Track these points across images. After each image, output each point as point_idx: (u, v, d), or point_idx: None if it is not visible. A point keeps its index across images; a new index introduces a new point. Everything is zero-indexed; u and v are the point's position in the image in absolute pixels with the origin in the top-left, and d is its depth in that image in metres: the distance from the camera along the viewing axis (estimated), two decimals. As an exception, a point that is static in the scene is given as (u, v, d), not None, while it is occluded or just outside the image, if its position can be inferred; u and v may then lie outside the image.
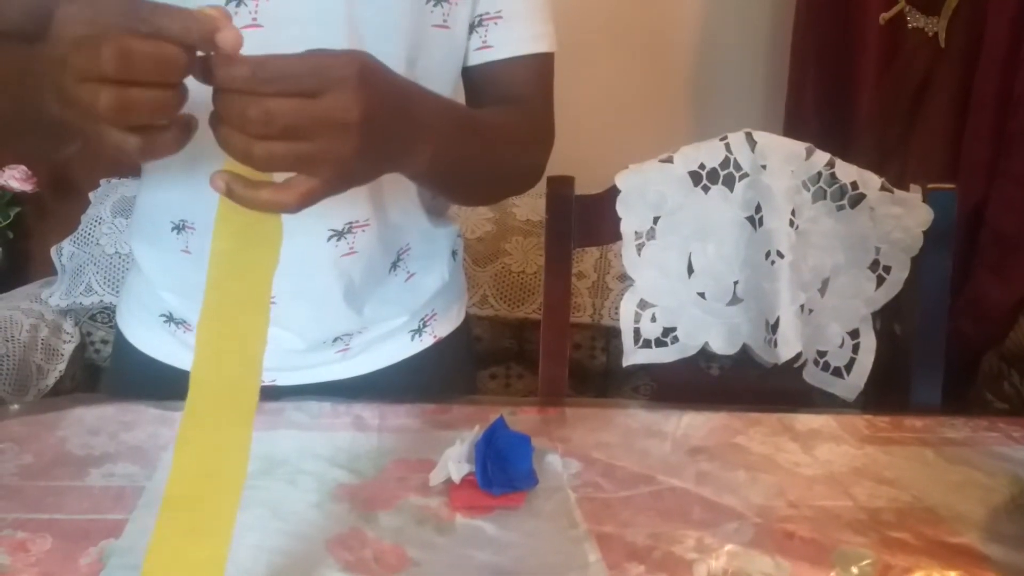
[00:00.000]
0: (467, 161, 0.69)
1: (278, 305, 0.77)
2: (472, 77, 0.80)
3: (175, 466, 0.52)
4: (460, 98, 0.81)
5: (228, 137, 0.50)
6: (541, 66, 0.79)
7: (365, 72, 0.52)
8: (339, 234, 0.74)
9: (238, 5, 0.66)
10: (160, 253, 0.78)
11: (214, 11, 0.48)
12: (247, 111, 0.48)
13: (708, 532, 0.61)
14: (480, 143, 0.71)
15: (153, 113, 0.48)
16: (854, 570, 0.58)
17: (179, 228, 0.76)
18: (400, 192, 0.78)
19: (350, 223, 0.75)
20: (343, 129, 0.51)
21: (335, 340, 0.80)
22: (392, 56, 0.70)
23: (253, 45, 0.66)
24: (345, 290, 0.77)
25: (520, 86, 0.79)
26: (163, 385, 0.79)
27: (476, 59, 0.78)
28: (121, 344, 0.85)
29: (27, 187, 1.70)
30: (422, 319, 0.84)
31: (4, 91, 0.58)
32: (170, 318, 0.80)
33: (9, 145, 0.65)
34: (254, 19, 0.66)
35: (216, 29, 0.47)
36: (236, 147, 0.50)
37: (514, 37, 0.77)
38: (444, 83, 0.77)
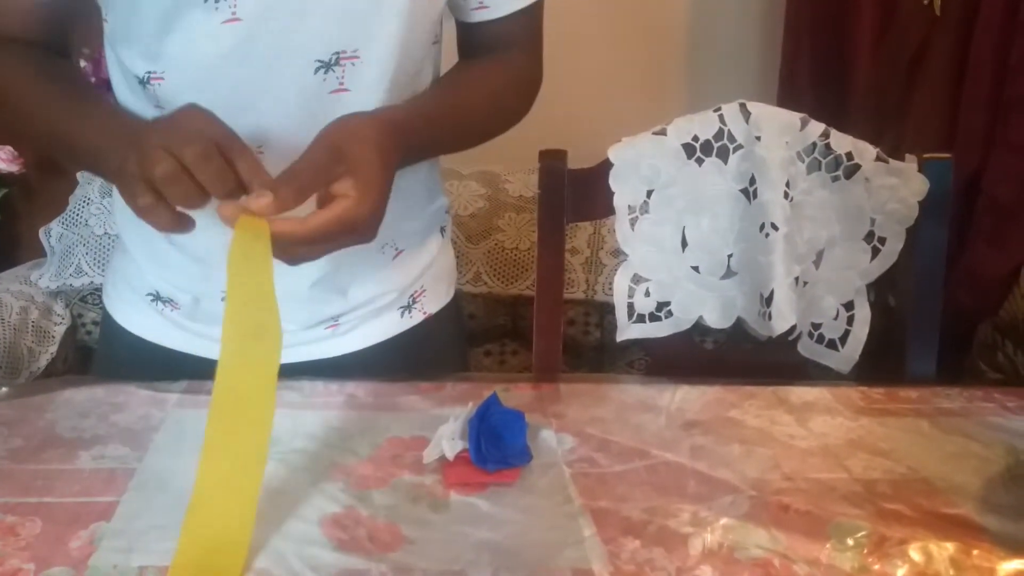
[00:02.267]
0: (447, 146, 0.79)
1: None
2: (467, 31, 0.81)
3: (203, 464, 0.56)
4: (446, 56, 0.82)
5: None
6: (532, 16, 0.81)
7: (378, 206, 0.61)
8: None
9: (218, 0, 0.64)
10: (149, 236, 0.77)
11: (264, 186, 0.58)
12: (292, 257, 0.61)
13: (703, 506, 0.61)
14: (446, 133, 0.77)
15: (184, 199, 0.58)
16: (849, 542, 0.57)
17: None
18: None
19: None
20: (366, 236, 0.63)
21: (323, 319, 0.79)
22: (384, 38, 0.69)
23: (233, 38, 0.66)
24: (334, 270, 0.76)
25: (513, 37, 0.81)
26: (152, 365, 0.79)
27: (472, 18, 0.79)
28: (109, 325, 0.84)
29: (14, 168, 1.68)
30: (411, 296, 0.84)
31: (74, 149, 0.70)
32: (157, 297, 0.80)
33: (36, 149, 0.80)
34: (233, 13, 0.65)
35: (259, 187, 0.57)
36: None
37: None
38: (433, 54, 0.77)
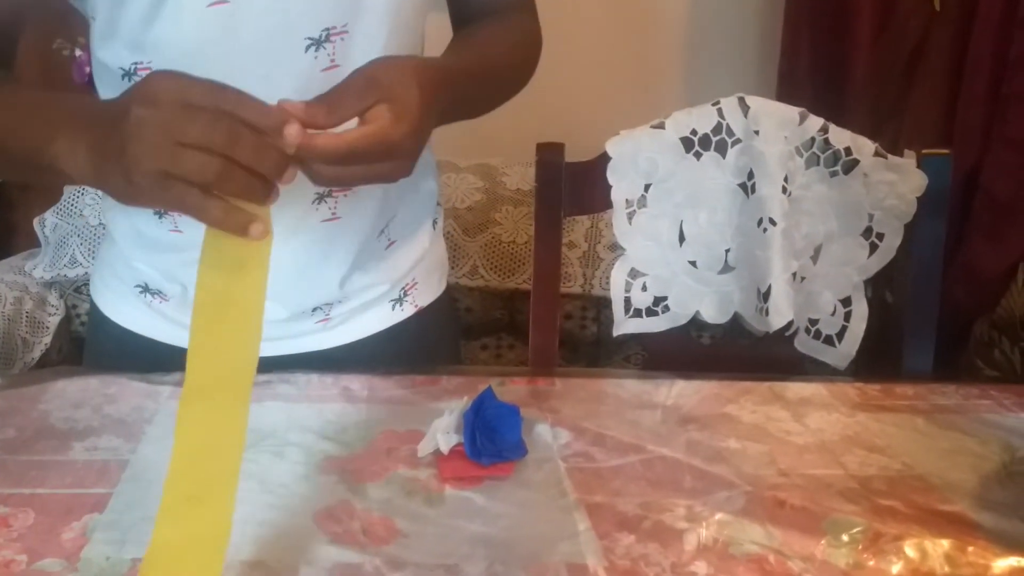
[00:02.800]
0: (466, 107, 0.74)
1: None
2: (460, 2, 0.81)
3: (176, 450, 0.53)
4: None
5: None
6: None
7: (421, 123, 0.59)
8: (320, 197, 0.73)
9: None
10: (141, 230, 0.77)
11: (287, 105, 0.54)
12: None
13: (698, 501, 0.61)
14: (478, 89, 0.74)
15: (244, 192, 0.53)
16: (845, 538, 0.57)
17: (162, 211, 0.74)
18: None
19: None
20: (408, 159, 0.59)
21: (315, 309, 0.79)
22: (371, 11, 0.68)
23: (221, 21, 0.65)
24: (326, 255, 0.76)
25: (510, 1, 0.82)
26: (140, 357, 0.79)
27: None
28: (97, 317, 0.84)
29: (8, 158, 1.67)
30: (403, 288, 0.83)
31: (18, 127, 0.61)
32: (145, 288, 0.79)
33: None
34: None
35: (285, 123, 0.52)
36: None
37: None
38: (422, 27, 0.77)
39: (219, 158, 0.51)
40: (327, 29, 0.67)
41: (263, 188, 0.53)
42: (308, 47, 0.67)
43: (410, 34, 0.74)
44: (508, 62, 0.79)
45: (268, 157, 0.52)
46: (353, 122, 0.57)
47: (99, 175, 0.56)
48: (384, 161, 0.57)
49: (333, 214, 0.74)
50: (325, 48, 0.68)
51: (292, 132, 0.52)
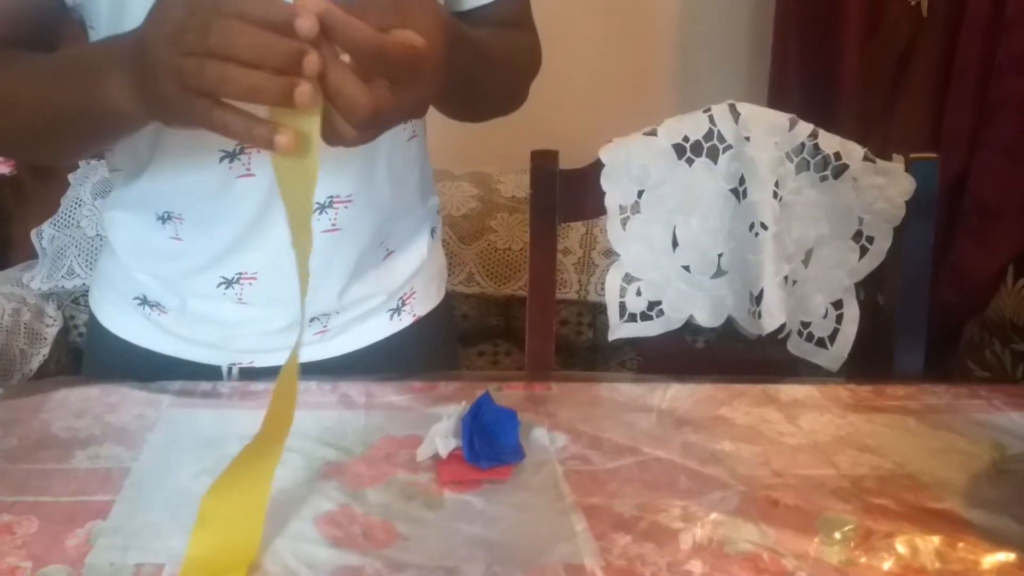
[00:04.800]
0: (470, 79, 0.69)
1: (257, 282, 0.76)
2: (462, 17, 0.80)
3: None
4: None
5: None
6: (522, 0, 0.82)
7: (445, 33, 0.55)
8: (321, 208, 0.74)
9: None
10: (141, 238, 0.78)
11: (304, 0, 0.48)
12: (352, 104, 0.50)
13: (693, 501, 0.62)
14: (485, 66, 0.71)
15: (249, 93, 0.48)
16: (837, 536, 0.58)
17: (164, 219, 0.75)
18: (385, 169, 0.77)
19: (332, 197, 0.74)
20: (433, 75, 0.54)
21: (313, 320, 0.79)
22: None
23: None
24: (326, 267, 0.76)
25: (509, 18, 0.81)
26: (138, 368, 0.79)
27: (463, 5, 0.79)
28: (95, 329, 0.84)
29: (5, 170, 1.68)
30: (400, 298, 0.84)
31: (65, 83, 0.61)
32: (144, 301, 0.80)
33: (43, 141, 0.69)
34: None
35: (295, 15, 0.47)
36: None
37: None
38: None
39: (214, 60, 0.48)
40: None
41: (274, 86, 0.48)
42: None
43: None
44: (510, 59, 0.78)
45: (272, 51, 0.47)
46: None
47: (148, 105, 0.55)
48: (410, 83, 0.52)
49: (333, 225, 0.75)
50: None
51: (305, 25, 0.47)
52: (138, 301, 0.80)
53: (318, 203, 0.73)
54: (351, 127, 0.51)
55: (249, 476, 0.56)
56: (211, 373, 0.79)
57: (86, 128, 0.65)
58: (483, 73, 0.71)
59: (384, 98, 0.51)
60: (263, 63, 0.48)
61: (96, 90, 0.58)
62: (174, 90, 0.50)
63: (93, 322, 0.85)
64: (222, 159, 0.71)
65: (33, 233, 1.56)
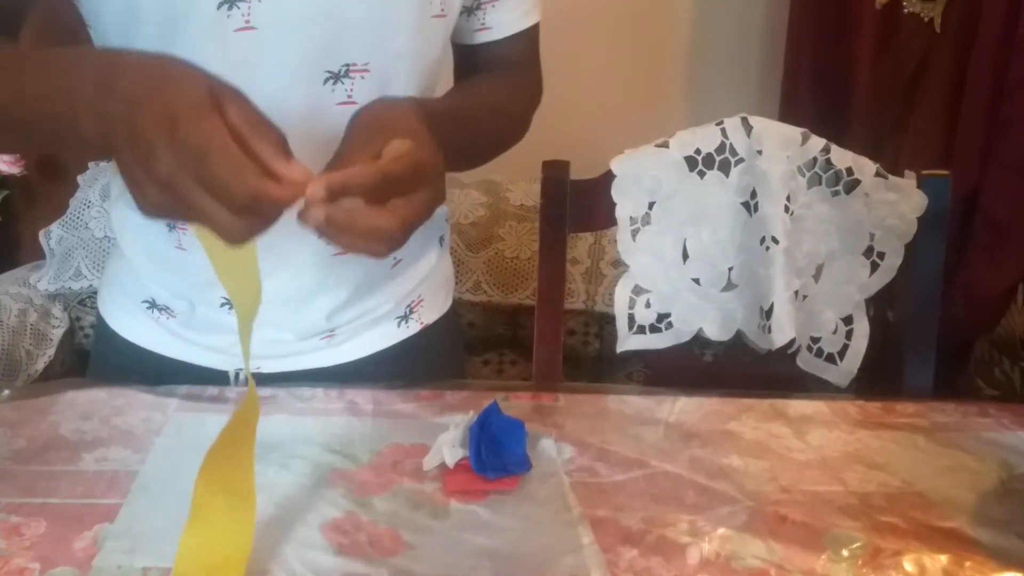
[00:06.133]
0: (464, 151, 0.73)
1: (267, 304, 0.76)
2: (467, 53, 0.82)
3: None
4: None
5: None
6: (531, 37, 0.83)
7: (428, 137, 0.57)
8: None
9: (231, 7, 0.65)
10: (149, 245, 0.78)
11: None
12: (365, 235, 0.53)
13: (701, 516, 0.61)
14: (476, 133, 0.76)
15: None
16: (845, 553, 0.58)
17: (171, 226, 0.75)
18: None
19: None
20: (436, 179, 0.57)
21: (320, 330, 0.80)
22: (393, 54, 0.70)
23: (246, 47, 0.66)
24: (337, 280, 0.76)
25: (513, 57, 0.83)
26: (146, 371, 0.79)
27: (474, 39, 0.81)
28: (103, 331, 0.84)
29: (15, 170, 1.69)
30: (408, 306, 0.84)
31: (35, 100, 0.56)
32: (153, 304, 0.80)
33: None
34: (247, 21, 0.65)
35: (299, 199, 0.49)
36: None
37: (509, 18, 0.80)
38: (440, 70, 0.77)
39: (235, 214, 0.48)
40: (348, 65, 0.69)
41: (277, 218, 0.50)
42: (327, 80, 0.69)
43: (429, 78, 0.75)
44: (503, 110, 0.81)
45: (279, 206, 0.49)
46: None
47: (117, 159, 0.52)
48: (418, 188, 0.55)
49: None
50: (343, 83, 0.69)
51: (316, 217, 0.50)
52: (147, 304, 0.80)
53: None
54: (389, 248, 0.54)
55: (232, 475, 0.55)
56: (218, 378, 0.79)
57: (37, 141, 0.64)
58: (474, 137, 0.76)
59: (405, 211, 0.54)
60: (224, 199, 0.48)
61: (64, 119, 0.53)
62: (155, 204, 0.50)
63: (101, 324, 0.85)
64: None
65: (41, 234, 1.57)
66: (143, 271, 0.79)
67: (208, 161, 0.47)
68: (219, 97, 0.50)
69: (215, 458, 0.55)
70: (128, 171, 0.50)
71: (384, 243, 0.54)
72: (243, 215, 0.48)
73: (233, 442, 0.55)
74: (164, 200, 0.49)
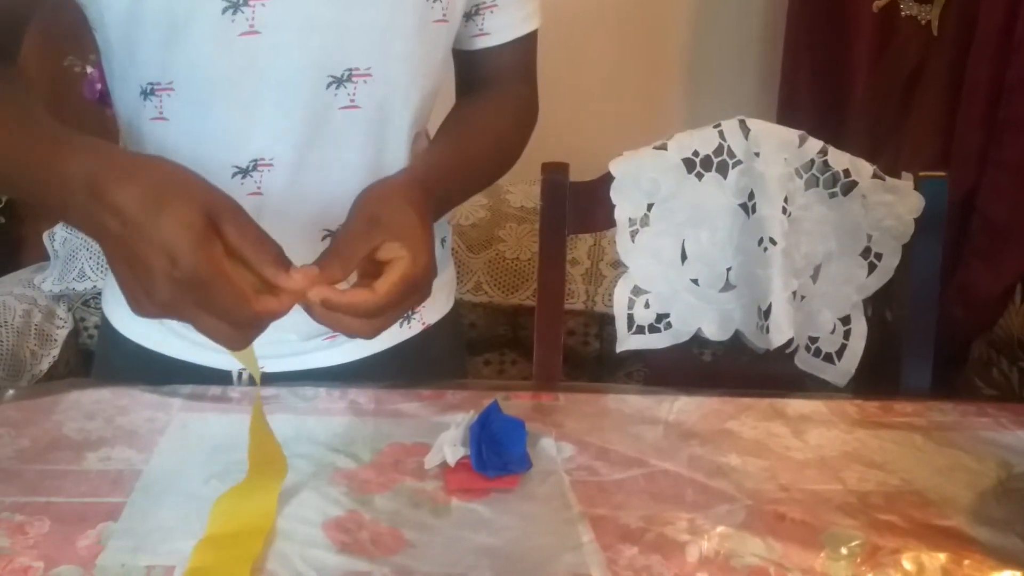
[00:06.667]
0: (462, 199, 0.79)
1: None
2: (465, 59, 0.83)
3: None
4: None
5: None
6: (528, 44, 0.84)
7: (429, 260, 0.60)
8: (332, 235, 0.75)
9: (235, 12, 0.65)
10: None
11: (302, 274, 0.54)
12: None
13: (700, 514, 0.62)
14: (475, 182, 0.79)
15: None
16: (843, 551, 0.58)
17: None
18: None
19: None
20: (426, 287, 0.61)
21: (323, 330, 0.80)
22: (395, 58, 0.70)
23: (251, 51, 0.66)
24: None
25: (510, 67, 0.84)
26: (150, 372, 0.79)
27: (472, 45, 0.81)
28: (108, 331, 0.85)
29: (18, 172, 1.69)
30: None
31: (22, 178, 0.58)
32: None
33: None
34: (251, 25, 0.66)
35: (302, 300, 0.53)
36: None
37: (508, 23, 0.81)
38: (443, 73, 0.78)
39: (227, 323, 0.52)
40: (350, 69, 0.69)
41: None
42: (329, 84, 0.69)
43: (431, 83, 0.76)
44: (492, 156, 0.81)
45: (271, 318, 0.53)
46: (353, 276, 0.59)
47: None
48: (410, 297, 0.58)
49: None
50: (346, 87, 0.69)
51: (311, 274, 0.54)
52: (151, 305, 0.80)
53: (329, 231, 0.74)
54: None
55: (254, 498, 0.59)
56: (221, 378, 0.80)
57: (29, 199, 0.63)
58: (473, 186, 0.79)
59: (385, 321, 0.58)
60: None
61: (56, 199, 0.55)
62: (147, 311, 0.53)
63: (105, 325, 0.86)
64: (234, 175, 0.71)
65: (45, 235, 1.57)
66: None
67: (208, 291, 0.49)
68: (216, 218, 0.50)
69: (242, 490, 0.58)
70: (123, 283, 0.52)
71: (359, 336, 0.58)
72: (242, 329, 0.52)
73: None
74: (161, 314, 0.52)
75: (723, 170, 0.91)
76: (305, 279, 0.53)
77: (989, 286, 1.35)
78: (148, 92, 0.70)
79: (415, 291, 0.59)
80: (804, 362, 0.94)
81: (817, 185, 0.91)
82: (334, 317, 0.56)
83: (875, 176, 0.91)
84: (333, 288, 0.55)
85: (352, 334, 0.57)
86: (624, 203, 0.91)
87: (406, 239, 0.58)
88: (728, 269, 0.93)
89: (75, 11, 0.70)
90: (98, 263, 1.54)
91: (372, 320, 0.57)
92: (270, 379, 0.79)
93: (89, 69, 1.60)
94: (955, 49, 1.39)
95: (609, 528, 0.60)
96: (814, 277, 0.93)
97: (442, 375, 0.87)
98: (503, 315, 1.61)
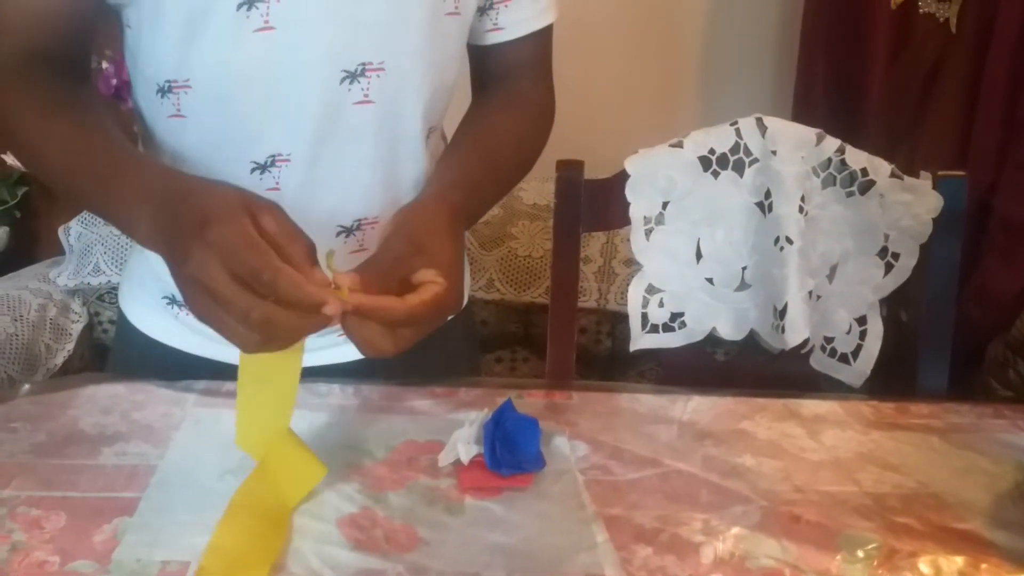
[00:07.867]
0: (487, 208, 0.79)
1: None
2: (480, 54, 0.82)
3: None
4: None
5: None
6: (544, 39, 0.83)
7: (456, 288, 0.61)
8: (348, 231, 0.75)
9: (250, 8, 0.66)
10: None
11: (341, 279, 0.55)
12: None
13: (715, 515, 0.62)
14: (498, 194, 0.80)
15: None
16: (860, 554, 0.58)
17: None
18: (411, 186, 0.78)
19: (359, 220, 0.75)
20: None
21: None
22: (408, 52, 0.70)
23: (266, 47, 0.67)
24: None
25: (525, 62, 0.83)
26: (166, 367, 0.80)
27: (486, 40, 0.81)
28: (124, 326, 0.85)
29: (34, 167, 1.70)
30: None
31: (93, 185, 0.65)
32: (173, 300, 0.80)
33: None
34: (266, 21, 0.66)
35: (322, 303, 0.53)
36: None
37: (522, 17, 0.80)
38: (457, 68, 0.78)
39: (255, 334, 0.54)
40: (363, 64, 0.69)
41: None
42: (343, 79, 0.69)
43: (444, 77, 0.76)
44: (515, 163, 0.82)
45: (298, 334, 0.55)
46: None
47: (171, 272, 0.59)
48: (435, 319, 0.60)
49: (361, 246, 0.76)
50: (359, 82, 0.70)
51: (331, 311, 0.54)
52: (167, 300, 0.81)
53: (344, 227, 0.75)
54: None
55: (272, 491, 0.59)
56: (236, 373, 0.80)
57: (97, 213, 0.70)
58: (495, 198, 0.80)
59: (407, 342, 0.58)
60: (289, 342, 0.56)
61: (121, 219, 0.63)
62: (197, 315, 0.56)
63: (122, 319, 0.86)
64: (252, 171, 0.72)
65: (60, 230, 1.58)
66: (162, 268, 0.80)
67: (236, 254, 0.52)
68: (253, 208, 0.54)
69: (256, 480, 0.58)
70: (173, 275, 0.57)
71: (374, 354, 0.58)
72: (258, 329, 0.53)
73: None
74: (197, 297, 0.54)
75: (739, 168, 0.90)
76: (347, 280, 0.55)
77: (1007, 287, 1.34)
78: (166, 90, 0.70)
79: (441, 317, 0.60)
80: (819, 362, 0.94)
81: (834, 184, 0.90)
82: (363, 327, 0.56)
83: (893, 175, 0.90)
84: (366, 297, 0.56)
85: (373, 348, 0.57)
86: (639, 201, 0.91)
87: (443, 268, 0.60)
88: (744, 268, 0.92)
89: (111, 12, 0.71)
90: (113, 258, 1.55)
91: (394, 333, 0.57)
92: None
93: (105, 64, 1.60)
94: (973, 47, 1.38)
95: (623, 528, 0.59)
96: (830, 277, 0.92)
97: (455, 372, 0.87)
98: (515, 312, 1.61)
